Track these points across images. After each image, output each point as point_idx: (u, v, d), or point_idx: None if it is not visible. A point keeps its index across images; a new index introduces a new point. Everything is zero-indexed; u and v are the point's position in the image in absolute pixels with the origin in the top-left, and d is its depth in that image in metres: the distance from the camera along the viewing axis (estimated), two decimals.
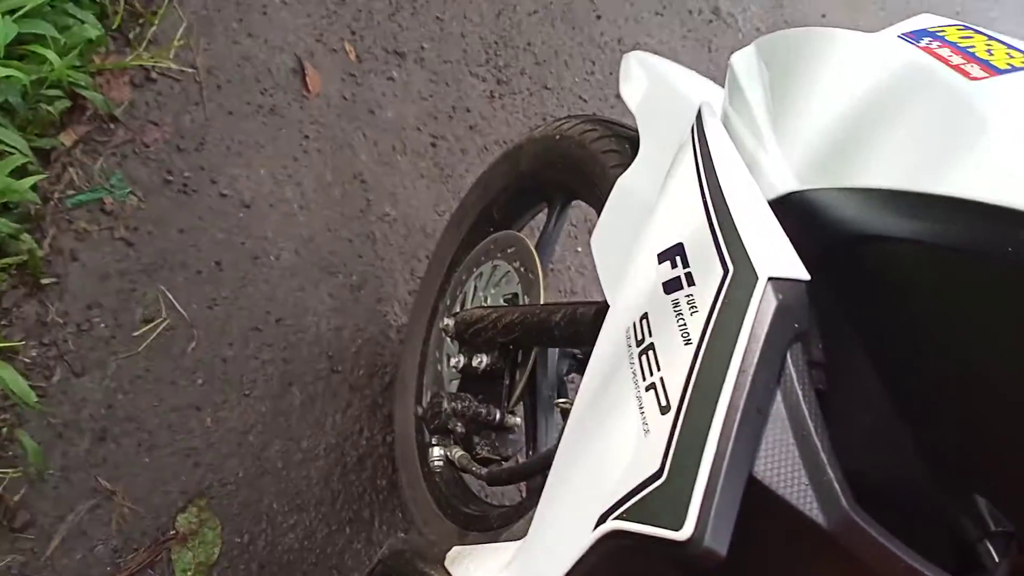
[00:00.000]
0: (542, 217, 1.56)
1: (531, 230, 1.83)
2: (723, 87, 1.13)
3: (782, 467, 0.52)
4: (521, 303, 1.25)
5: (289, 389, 1.53)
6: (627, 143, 1.14)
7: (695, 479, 0.51)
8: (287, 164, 1.69)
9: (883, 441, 0.61)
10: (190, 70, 1.62)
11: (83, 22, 1.38)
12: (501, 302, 1.29)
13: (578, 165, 1.21)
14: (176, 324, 1.44)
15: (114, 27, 1.53)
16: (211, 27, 1.68)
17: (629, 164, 1.08)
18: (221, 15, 1.71)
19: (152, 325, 1.42)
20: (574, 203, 1.37)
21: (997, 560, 0.53)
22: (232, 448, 1.43)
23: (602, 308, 1.00)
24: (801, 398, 0.54)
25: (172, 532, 1.33)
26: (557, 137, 1.26)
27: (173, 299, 1.45)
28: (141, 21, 1.59)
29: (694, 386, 0.55)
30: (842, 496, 0.51)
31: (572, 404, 1.23)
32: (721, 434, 0.51)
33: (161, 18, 1.60)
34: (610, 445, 0.62)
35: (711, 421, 0.52)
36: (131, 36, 1.56)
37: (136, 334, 1.40)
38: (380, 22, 2.00)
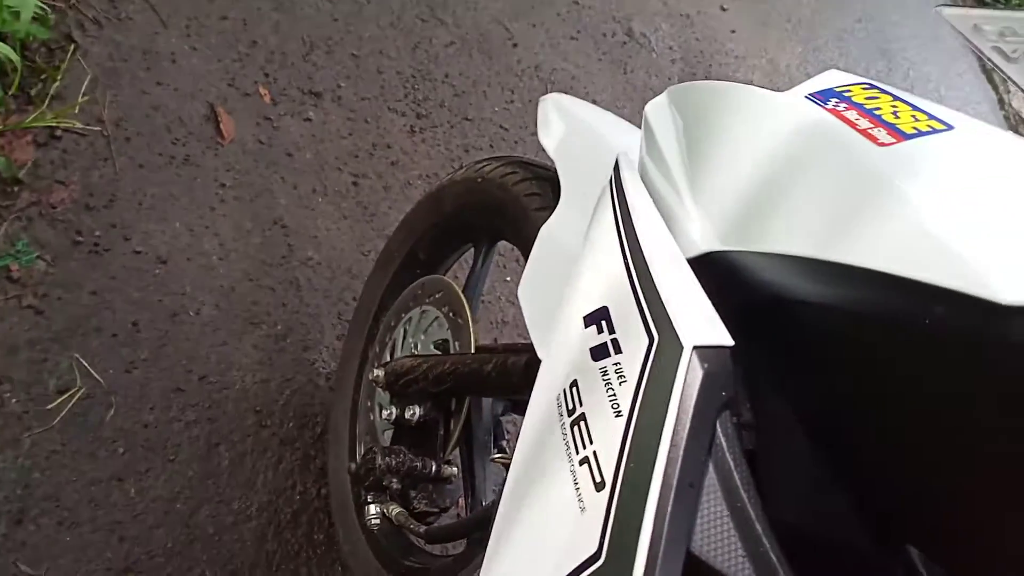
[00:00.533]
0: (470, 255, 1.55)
1: (458, 268, 1.82)
2: (632, 123, 1.14)
3: (719, 540, 0.52)
4: (452, 349, 1.23)
5: (216, 449, 1.48)
6: (549, 186, 1.14)
7: (634, 560, 0.50)
8: (204, 215, 1.64)
9: (814, 495, 0.62)
10: (96, 125, 1.56)
11: None
12: (431, 348, 1.27)
13: (501, 208, 1.21)
14: (92, 392, 1.38)
15: (14, 86, 1.47)
16: (117, 78, 1.63)
17: (551, 206, 1.08)
18: (128, 65, 1.66)
19: (67, 395, 1.35)
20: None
21: None
22: (159, 518, 1.37)
23: (533, 357, 0.99)
24: (733, 468, 0.53)
25: None
26: (479, 180, 1.26)
27: (88, 366, 1.39)
28: (43, 77, 1.52)
29: (627, 461, 0.54)
30: (780, 568, 0.51)
31: (502, 455, 1.22)
32: (657, 512, 0.51)
33: (64, 72, 1.54)
34: (547, 521, 0.61)
35: (646, 498, 0.51)
36: (33, 93, 1.49)
37: (50, 407, 1.33)
38: (294, 63, 1.96)
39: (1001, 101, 5.06)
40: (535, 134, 2.43)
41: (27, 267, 1.39)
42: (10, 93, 1.47)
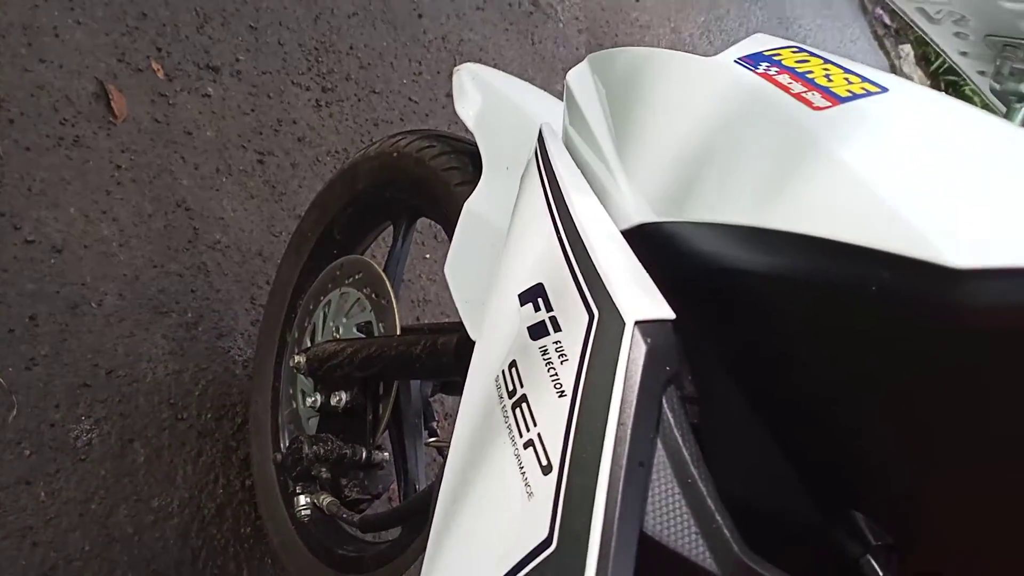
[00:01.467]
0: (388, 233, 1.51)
1: (375, 247, 1.78)
2: (551, 89, 1.12)
3: (671, 519, 0.51)
4: (376, 331, 1.20)
5: (130, 446, 1.41)
6: (468, 159, 1.11)
7: (587, 544, 0.49)
8: (99, 199, 1.55)
9: (761, 466, 0.62)
10: None
11: None
12: (354, 331, 1.23)
13: (419, 183, 1.18)
14: None
15: None
16: None
17: (472, 181, 1.06)
18: (6, 41, 1.54)
19: None
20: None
21: (881, 574, 0.55)
22: (73, 521, 1.30)
23: (463, 337, 0.97)
24: (681, 443, 0.53)
25: None
26: (394, 155, 1.22)
27: None
28: None
29: (574, 442, 0.53)
30: (733, 542, 0.51)
31: (440, 440, 1.20)
32: (608, 493, 0.50)
33: None
34: (493, 508, 0.59)
35: (596, 479, 0.50)
36: None
37: None
38: (188, 36, 1.86)
39: (893, 67, 5.27)
40: (446, 107, 2.40)
41: None
42: None
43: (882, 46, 5.47)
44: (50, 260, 1.44)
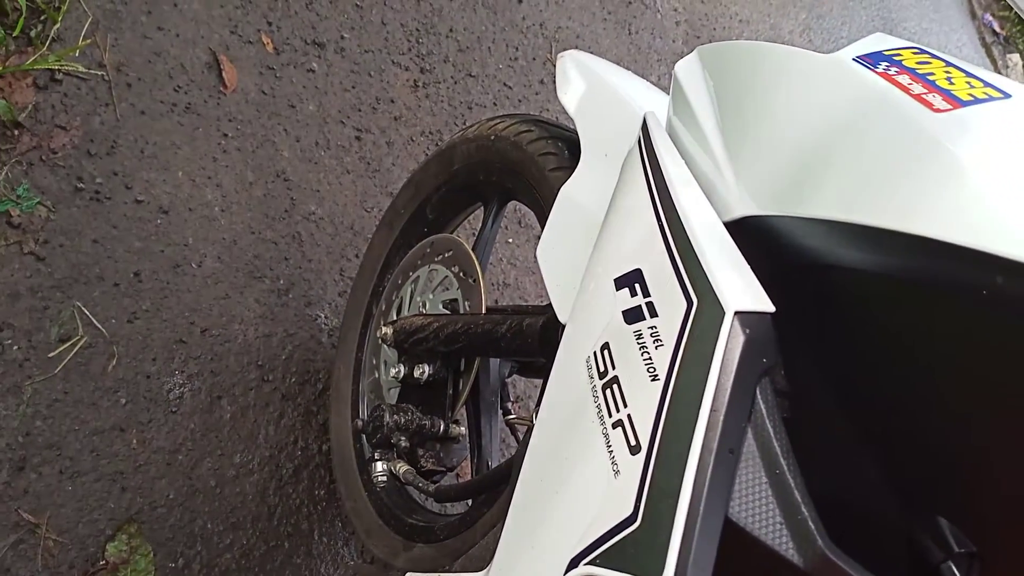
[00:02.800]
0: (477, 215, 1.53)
1: (464, 229, 1.81)
2: (645, 78, 1.12)
3: (757, 507, 0.52)
4: (461, 309, 1.22)
5: (218, 403, 1.47)
6: (564, 145, 1.12)
7: (672, 525, 0.50)
8: (206, 165, 1.61)
9: (847, 464, 0.62)
10: (98, 69, 1.52)
11: None
12: (440, 308, 1.26)
13: (515, 167, 1.19)
14: (94, 341, 1.37)
15: (15, 27, 1.42)
16: (118, 22, 1.58)
17: (567, 167, 1.07)
18: (129, 8, 1.61)
19: (69, 344, 1.33)
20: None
21: None
22: (161, 469, 1.37)
23: (549, 320, 0.98)
24: (772, 435, 0.53)
25: (102, 562, 1.27)
26: (492, 137, 1.24)
27: (90, 315, 1.37)
28: (43, 18, 1.48)
29: (664, 425, 0.54)
30: (817, 534, 0.51)
31: (518, 418, 1.22)
32: (696, 477, 0.51)
33: (64, 14, 1.50)
34: (577, 484, 0.60)
35: (685, 463, 0.51)
36: (33, 35, 1.45)
37: (52, 355, 1.32)
38: (297, 11, 1.92)
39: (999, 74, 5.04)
40: (539, 93, 2.41)
41: (28, 213, 1.36)
42: (12, 35, 1.43)
43: (989, 54, 5.25)
44: (156, 220, 1.51)
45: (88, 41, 1.51)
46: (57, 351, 1.32)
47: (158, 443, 1.38)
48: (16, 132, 1.39)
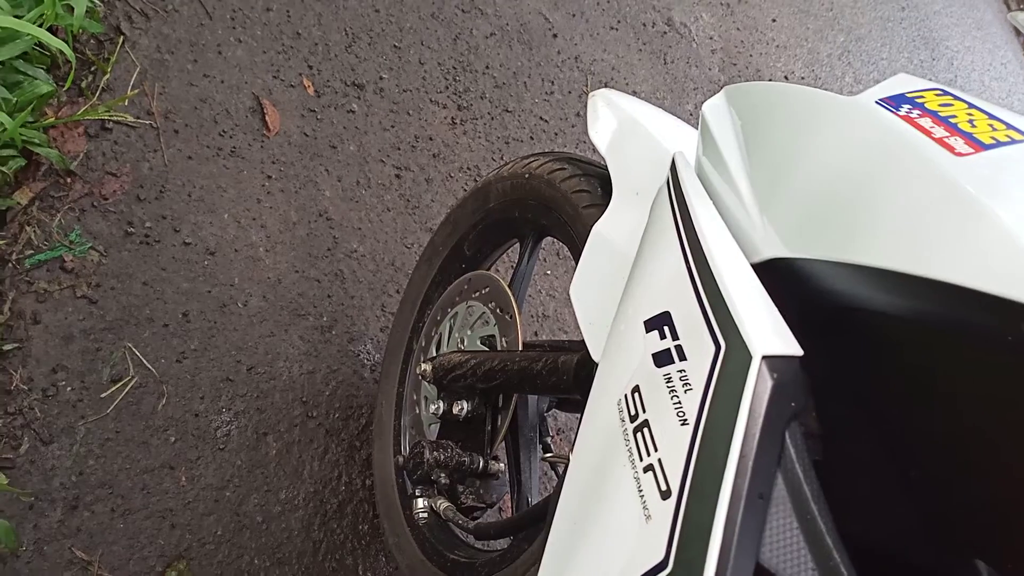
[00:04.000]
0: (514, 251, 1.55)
1: (500, 263, 1.83)
2: (680, 111, 1.13)
3: (788, 553, 0.52)
4: (499, 345, 1.24)
5: (264, 439, 1.50)
6: (597, 182, 1.13)
7: (702, 571, 0.50)
8: (250, 207, 1.66)
9: (880, 507, 0.61)
10: (146, 117, 1.58)
11: (34, 78, 1.34)
12: (478, 344, 1.28)
13: (549, 204, 1.21)
14: (144, 381, 1.41)
15: (66, 79, 1.49)
16: (165, 71, 1.65)
17: (600, 204, 1.08)
18: (175, 57, 1.68)
19: (120, 384, 1.38)
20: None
21: None
22: (209, 506, 1.40)
23: (583, 357, 0.99)
24: (802, 479, 0.53)
25: None
26: (526, 175, 1.26)
27: (140, 355, 1.41)
28: (93, 69, 1.54)
29: (694, 470, 0.54)
30: None
31: (557, 455, 1.23)
32: (726, 522, 0.51)
33: (113, 65, 1.56)
34: (609, 528, 0.61)
35: (715, 509, 0.51)
36: (83, 85, 1.52)
37: (104, 395, 1.36)
38: (337, 54, 1.97)
39: None
40: (575, 126, 2.43)
41: (80, 257, 1.41)
42: (63, 87, 1.49)
43: None
44: (204, 261, 1.56)
45: (136, 91, 1.57)
46: (109, 391, 1.37)
47: (206, 480, 1.41)
48: (68, 180, 1.45)
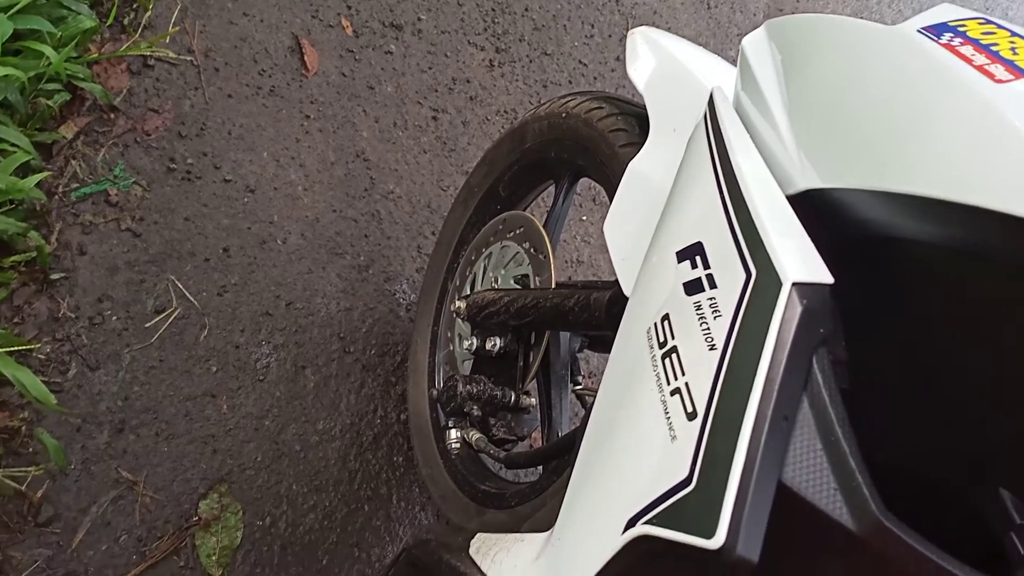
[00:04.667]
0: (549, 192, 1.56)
1: (535, 205, 1.83)
2: (723, 55, 1.12)
3: (811, 473, 0.53)
4: (532, 284, 1.25)
5: (303, 372, 1.54)
6: (635, 121, 1.13)
7: (725, 487, 0.52)
8: (289, 146, 1.68)
9: (906, 435, 0.62)
10: (187, 54, 1.59)
11: (77, 13, 1.36)
12: (512, 283, 1.29)
13: (585, 144, 1.21)
14: (187, 313, 1.45)
15: (108, 15, 1.51)
16: (206, 9, 1.66)
17: (638, 143, 1.08)
18: None
19: (164, 315, 1.42)
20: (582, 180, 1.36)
21: (1023, 553, 0.54)
22: (249, 433, 1.44)
23: (616, 294, 1.00)
24: (828, 402, 0.54)
25: (195, 519, 1.35)
26: (563, 115, 1.25)
27: (183, 288, 1.45)
28: (135, 6, 1.56)
29: (720, 393, 0.56)
30: (871, 501, 0.52)
31: (587, 388, 1.25)
32: (750, 442, 0.52)
33: (155, 2, 1.58)
34: (635, 448, 0.62)
35: (740, 429, 0.53)
36: (126, 23, 1.53)
37: (148, 325, 1.40)
38: None
39: None
40: (615, 70, 2.40)
41: (124, 192, 1.45)
42: (106, 23, 1.51)
43: None
44: (244, 199, 1.58)
45: (177, 28, 1.59)
46: (153, 321, 1.41)
47: (247, 409, 1.46)
48: (112, 115, 1.47)
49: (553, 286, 1.20)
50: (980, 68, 0.52)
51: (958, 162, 0.51)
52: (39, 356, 1.30)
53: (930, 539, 0.53)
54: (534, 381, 1.27)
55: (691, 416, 0.57)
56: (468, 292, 1.39)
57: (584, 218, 2.14)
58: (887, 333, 0.62)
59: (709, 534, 0.51)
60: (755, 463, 0.52)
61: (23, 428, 1.25)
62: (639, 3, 2.60)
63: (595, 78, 2.35)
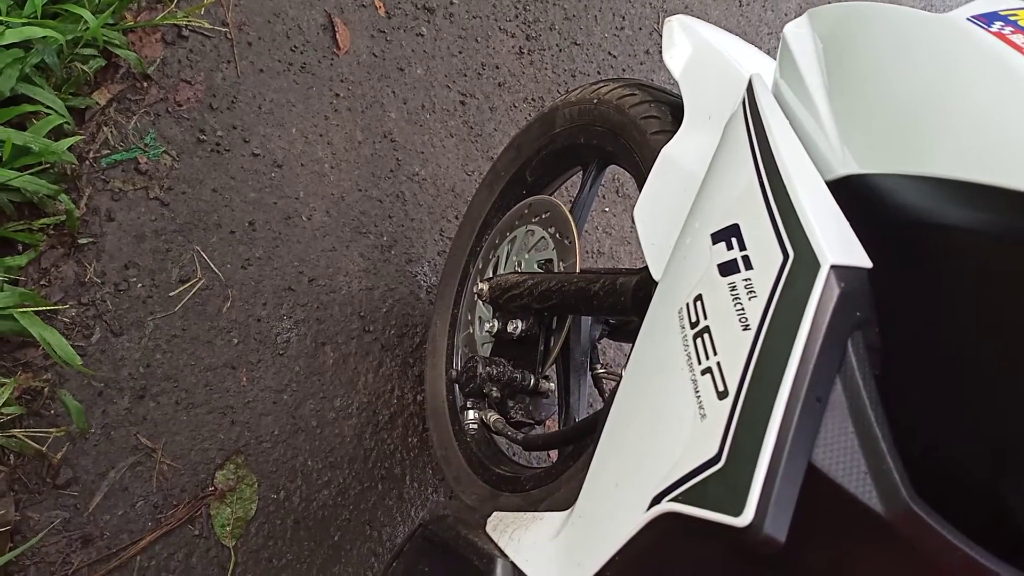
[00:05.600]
0: (574, 180, 1.55)
1: (562, 193, 1.82)
2: (759, 49, 1.11)
3: (841, 455, 0.53)
4: (556, 269, 1.25)
5: (322, 349, 1.55)
6: (668, 109, 1.13)
7: (755, 466, 0.51)
8: (318, 123, 1.68)
9: (939, 423, 0.62)
10: (221, 27, 1.60)
11: None
12: (535, 267, 1.29)
13: (616, 130, 1.20)
14: (211, 284, 1.46)
15: None
16: None
17: (670, 131, 1.07)
18: None
19: (188, 285, 1.43)
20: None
21: None
22: (267, 407, 1.45)
23: (643, 279, 1.00)
24: (861, 386, 0.54)
25: (211, 488, 1.36)
26: (595, 101, 1.25)
27: (208, 259, 1.46)
28: None
29: (753, 373, 0.55)
30: (901, 485, 0.51)
31: (606, 371, 1.24)
32: (782, 421, 0.52)
33: None
34: (663, 426, 0.62)
35: (771, 408, 0.52)
36: None
37: (172, 294, 1.41)
38: None
39: None
40: (644, 63, 2.39)
41: (154, 160, 1.45)
42: None
43: None
44: (271, 173, 1.59)
45: (213, 0, 1.59)
46: (177, 291, 1.42)
47: (266, 382, 1.46)
48: (145, 84, 1.48)
49: (578, 271, 1.20)
50: None
51: (1003, 147, 0.50)
52: (64, 319, 1.31)
53: (960, 527, 0.52)
54: (553, 367, 1.27)
55: (722, 395, 0.57)
56: (491, 275, 1.39)
57: (607, 209, 2.14)
58: (921, 321, 0.61)
59: (736, 512, 0.51)
60: (786, 443, 0.51)
61: (46, 390, 1.26)
62: None
63: (623, 69, 2.35)
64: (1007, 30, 0.57)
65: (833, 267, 0.54)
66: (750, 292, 0.59)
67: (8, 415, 1.21)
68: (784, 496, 0.51)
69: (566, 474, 1.11)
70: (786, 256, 0.57)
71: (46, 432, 1.25)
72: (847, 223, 0.58)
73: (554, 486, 1.12)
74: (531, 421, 1.23)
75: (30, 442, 1.23)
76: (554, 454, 1.62)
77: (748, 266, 0.61)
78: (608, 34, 2.37)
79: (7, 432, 1.21)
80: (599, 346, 1.47)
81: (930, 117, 0.56)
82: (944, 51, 0.59)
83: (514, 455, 1.44)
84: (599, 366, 1.34)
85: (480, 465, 1.33)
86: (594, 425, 1.00)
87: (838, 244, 0.56)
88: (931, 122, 0.57)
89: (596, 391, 1.38)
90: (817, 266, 0.54)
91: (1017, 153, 0.49)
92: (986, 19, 0.60)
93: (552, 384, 1.25)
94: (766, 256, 0.59)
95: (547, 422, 1.34)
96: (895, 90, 0.61)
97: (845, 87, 0.70)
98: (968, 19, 0.61)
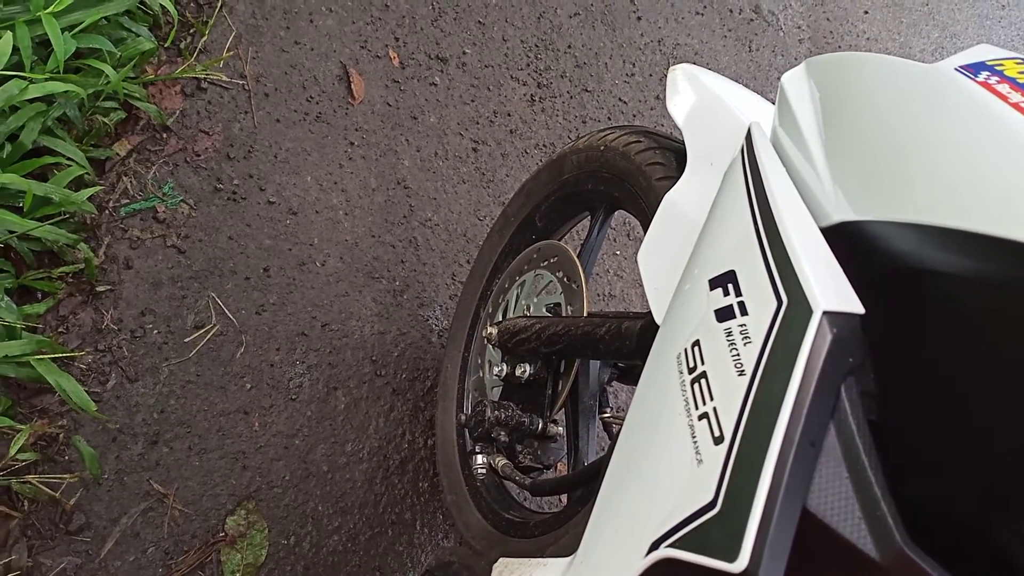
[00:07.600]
0: (583, 224, 1.57)
1: (571, 237, 1.84)
2: (762, 96, 1.13)
3: (835, 500, 0.53)
4: (564, 313, 1.26)
5: (334, 393, 1.56)
6: (672, 155, 1.14)
7: (749, 511, 0.52)
8: (333, 171, 1.72)
9: (933, 468, 0.62)
10: (239, 79, 1.65)
11: (137, 35, 1.41)
12: (544, 311, 1.30)
13: (623, 176, 1.22)
14: (225, 330, 1.48)
15: (167, 38, 1.57)
16: (259, 36, 1.71)
17: (674, 176, 1.09)
18: (269, 24, 1.74)
19: (203, 331, 1.45)
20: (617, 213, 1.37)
21: None
22: (279, 452, 1.46)
23: (647, 323, 1.01)
24: (855, 431, 0.54)
25: (221, 534, 1.37)
26: (602, 148, 1.27)
27: (223, 305, 1.48)
28: (192, 31, 1.62)
29: (748, 418, 0.56)
30: (895, 530, 0.52)
31: (615, 415, 1.25)
32: (776, 467, 0.52)
33: (211, 28, 1.63)
34: (661, 472, 0.63)
35: (766, 454, 0.53)
36: (182, 46, 1.59)
37: (187, 340, 1.43)
38: (423, 27, 2.01)
39: None
40: (654, 109, 2.42)
41: (172, 209, 1.49)
42: (164, 46, 1.57)
43: None
44: (286, 220, 1.62)
45: (231, 53, 1.64)
46: (192, 337, 1.44)
47: (277, 427, 1.47)
48: (164, 135, 1.52)
49: (585, 315, 1.21)
50: (1015, 105, 0.53)
51: (990, 195, 0.51)
52: (80, 365, 1.33)
53: (955, 572, 0.52)
54: (562, 411, 1.27)
55: (718, 440, 0.57)
56: (500, 319, 1.40)
57: (618, 252, 2.15)
58: (915, 365, 0.62)
59: (732, 558, 0.51)
60: (780, 488, 0.52)
61: (61, 436, 1.28)
62: (680, 44, 2.63)
63: (634, 115, 2.38)
64: (993, 79, 0.58)
65: (826, 313, 0.55)
66: (745, 338, 0.60)
67: (23, 461, 1.23)
68: (779, 541, 0.51)
69: (574, 519, 1.10)
70: (780, 302, 0.58)
71: (60, 478, 1.27)
72: (840, 269, 0.59)
73: (561, 531, 1.12)
74: (539, 465, 1.23)
75: (44, 488, 1.24)
76: (564, 498, 1.62)
77: (744, 312, 0.62)
78: (619, 80, 2.40)
79: (22, 478, 1.22)
80: (611, 389, 1.48)
81: (920, 165, 0.58)
82: (934, 101, 0.60)
83: (524, 500, 1.44)
84: (608, 410, 1.34)
85: (490, 510, 1.33)
86: (599, 470, 1.00)
87: (831, 290, 0.56)
88: (921, 170, 0.58)
89: (606, 435, 1.37)
90: (810, 312, 0.55)
91: (1003, 201, 0.50)
92: (973, 69, 0.61)
93: (561, 428, 1.26)
94: (761, 302, 0.60)
95: (557, 466, 1.34)
96: (888, 139, 0.63)
97: (841, 135, 0.71)
98: (956, 69, 0.63)
